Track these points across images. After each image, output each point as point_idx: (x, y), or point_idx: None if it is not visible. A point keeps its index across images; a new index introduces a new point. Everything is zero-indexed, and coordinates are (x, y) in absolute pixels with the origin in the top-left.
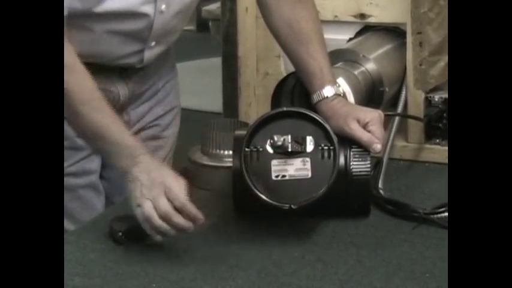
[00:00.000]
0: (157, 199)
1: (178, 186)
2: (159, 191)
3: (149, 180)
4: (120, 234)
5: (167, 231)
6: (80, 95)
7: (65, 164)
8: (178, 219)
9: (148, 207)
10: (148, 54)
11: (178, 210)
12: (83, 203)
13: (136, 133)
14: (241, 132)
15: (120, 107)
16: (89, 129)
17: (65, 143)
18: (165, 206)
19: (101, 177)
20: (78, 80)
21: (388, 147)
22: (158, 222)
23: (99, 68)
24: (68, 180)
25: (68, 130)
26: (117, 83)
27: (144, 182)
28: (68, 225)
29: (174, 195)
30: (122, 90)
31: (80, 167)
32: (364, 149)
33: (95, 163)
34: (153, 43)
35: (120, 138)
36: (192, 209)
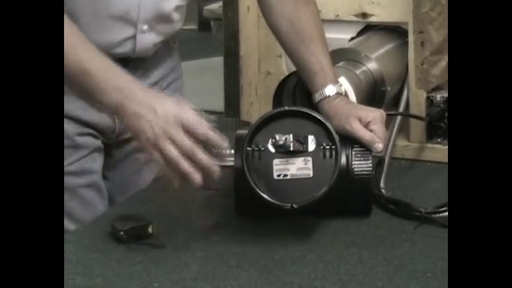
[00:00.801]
0: (177, 137)
1: (192, 115)
2: (175, 127)
3: (158, 116)
4: (122, 233)
5: (191, 174)
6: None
7: (65, 163)
8: (203, 155)
9: (170, 150)
10: (141, 41)
11: (201, 142)
12: (83, 203)
13: None
14: (243, 132)
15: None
16: (73, 67)
17: (65, 142)
18: (188, 144)
19: (104, 178)
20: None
21: (390, 146)
22: (185, 165)
23: None
24: (67, 180)
25: (67, 129)
26: None
27: (151, 118)
28: (68, 224)
29: (194, 128)
30: None
31: (80, 166)
32: (365, 148)
33: (96, 163)
34: (145, 27)
35: (108, 71)
36: (216, 136)
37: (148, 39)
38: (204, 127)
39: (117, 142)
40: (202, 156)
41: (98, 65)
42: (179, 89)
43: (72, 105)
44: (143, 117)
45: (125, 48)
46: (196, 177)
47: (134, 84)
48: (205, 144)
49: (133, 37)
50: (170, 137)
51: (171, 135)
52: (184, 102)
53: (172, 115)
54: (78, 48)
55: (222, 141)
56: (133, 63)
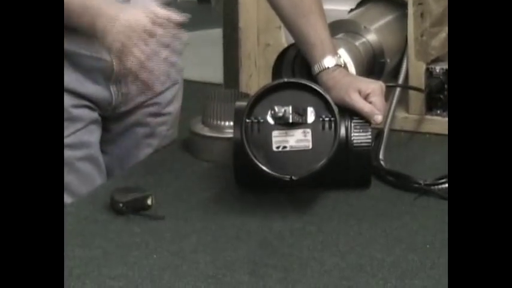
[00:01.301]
0: (140, 43)
1: (161, 11)
2: (138, 33)
3: (122, 26)
4: (121, 205)
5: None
6: None
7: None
8: (167, 53)
9: (135, 55)
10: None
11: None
12: (80, 176)
13: (137, 108)
14: (242, 103)
15: (116, 78)
16: None
17: None
18: (151, 47)
19: (103, 152)
20: None
21: (389, 118)
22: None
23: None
24: (64, 152)
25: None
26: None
27: (116, 29)
28: (65, 198)
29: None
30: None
31: (76, 139)
32: (365, 120)
33: (93, 136)
34: None
35: None
36: (176, 16)
37: (142, 4)
38: (167, 13)
39: (115, 115)
40: (166, 53)
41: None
42: (176, 63)
43: (67, 77)
44: (109, 32)
45: None
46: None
47: (105, 2)
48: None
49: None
50: (135, 44)
51: (135, 41)
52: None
53: (134, 21)
54: None
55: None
56: None
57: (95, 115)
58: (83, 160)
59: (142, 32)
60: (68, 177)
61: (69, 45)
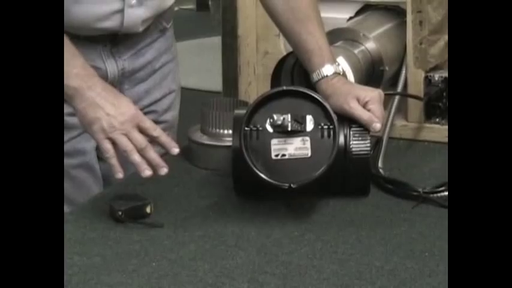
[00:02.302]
0: (132, 133)
1: (147, 119)
2: (131, 125)
3: (117, 112)
4: (120, 213)
5: (140, 166)
6: None
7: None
8: (153, 154)
9: (124, 141)
10: (129, 15)
11: (152, 141)
12: (76, 184)
13: None
14: (241, 111)
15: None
16: None
17: None
18: (142, 139)
19: (100, 159)
20: None
21: (388, 126)
22: (136, 157)
23: (85, 40)
24: None
25: None
26: (105, 59)
27: (111, 112)
28: (65, 206)
29: (148, 126)
30: (110, 66)
31: (71, 147)
32: (364, 128)
33: (89, 143)
34: (133, 1)
35: (71, 58)
36: (167, 137)
37: (136, 14)
38: (158, 130)
39: None
40: (152, 153)
41: (66, 53)
42: (173, 71)
43: None
44: (102, 109)
45: (112, 22)
46: (146, 169)
47: (97, 77)
48: (157, 145)
49: (122, 11)
50: (125, 131)
51: (127, 130)
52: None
53: (130, 114)
54: None
55: (172, 144)
56: (123, 40)
57: None
58: (78, 168)
59: (134, 126)
60: (64, 185)
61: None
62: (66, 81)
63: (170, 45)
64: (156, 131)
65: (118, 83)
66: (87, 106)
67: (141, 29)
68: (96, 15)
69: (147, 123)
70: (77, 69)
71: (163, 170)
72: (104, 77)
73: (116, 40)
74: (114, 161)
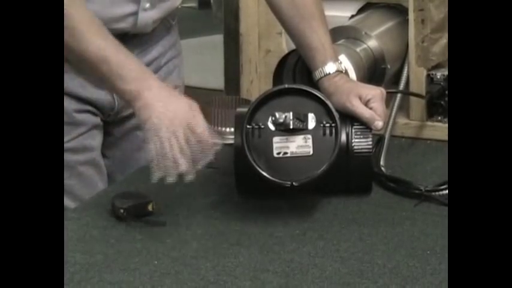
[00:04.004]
0: (178, 134)
1: (200, 120)
2: (180, 125)
3: (168, 111)
4: (122, 211)
5: (168, 170)
6: (82, 19)
7: (64, 140)
8: (185, 161)
9: (168, 142)
10: (143, 18)
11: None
12: (82, 180)
13: None
14: (243, 110)
15: None
16: (92, 54)
17: (64, 118)
18: (184, 144)
19: (104, 156)
20: (78, 8)
21: (390, 124)
22: (180, 160)
23: None
24: (66, 157)
25: (66, 105)
26: None
27: (162, 110)
28: (67, 202)
29: (195, 128)
30: None
31: (79, 143)
32: (365, 126)
33: (95, 140)
34: (147, 4)
35: (126, 60)
36: (211, 147)
37: (149, 15)
38: (206, 134)
39: (117, 120)
40: (184, 161)
41: (117, 54)
42: (178, 67)
43: (71, 82)
44: (156, 109)
45: (125, 24)
46: (171, 175)
47: (152, 76)
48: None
49: (136, 13)
50: (173, 131)
51: (175, 130)
52: (196, 107)
53: (182, 114)
54: (96, 35)
55: (212, 151)
56: (132, 39)
57: (97, 120)
58: (85, 164)
59: (184, 127)
60: (70, 181)
61: None
62: (124, 85)
63: (175, 41)
64: (204, 134)
65: None
66: (143, 106)
67: (151, 29)
68: (110, 17)
69: (197, 125)
70: (134, 72)
71: (188, 177)
72: None
73: (124, 38)
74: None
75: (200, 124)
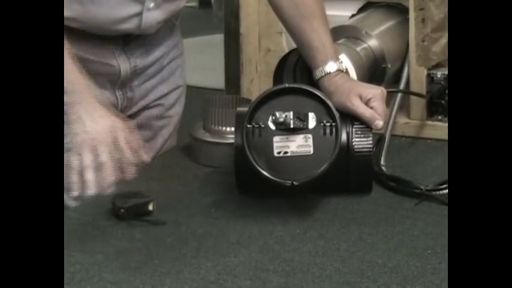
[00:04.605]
0: (99, 151)
1: (125, 142)
2: (104, 145)
3: (95, 129)
4: (123, 210)
5: (88, 188)
6: None
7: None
8: (98, 177)
9: (87, 159)
10: (147, 18)
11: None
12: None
13: (140, 111)
14: (243, 109)
15: (121, 83)
16: None
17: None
18: (108, 160)
19: None
20: None
21: (390, 123)
22: (89, 176)
23: (98, 39)
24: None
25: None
26: (118, 56)
27: (88, 127)
28: (68, 201)
29: (119, 143)
30: (123, 64)
31: None
32: (366, 125)
33: None
34: (151, 4)
35: (67, 72)
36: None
37: (153, 16)
38: (129, 153)
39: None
40: (96, 176)
41: (66, 70)
42: (180, 67)
43: None
44: (84, 124)
45: (130, 25)
46: (75, 190)
47: (89, 92)
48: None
49: (140, 14)
50: (93, 148)
51: (96, 147)
52: (123, 126)
53: (107, 132)
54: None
55: (132, 171)
56: (135, 40)
57: None
58: None
59: (105, 144)
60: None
61: (77, 50)
62: (64, 96)
63: (178, 41)
64: (125, 154)
65: (128, 80)
66: (75, 120)
67: (154, 30)
68: (115, 18)
69: (120, 144)
70: (72, 84)
71: (109, 190)
72: (117, 74)
73: (128, 39)
74: (73, 177)
75: (123, 142)
